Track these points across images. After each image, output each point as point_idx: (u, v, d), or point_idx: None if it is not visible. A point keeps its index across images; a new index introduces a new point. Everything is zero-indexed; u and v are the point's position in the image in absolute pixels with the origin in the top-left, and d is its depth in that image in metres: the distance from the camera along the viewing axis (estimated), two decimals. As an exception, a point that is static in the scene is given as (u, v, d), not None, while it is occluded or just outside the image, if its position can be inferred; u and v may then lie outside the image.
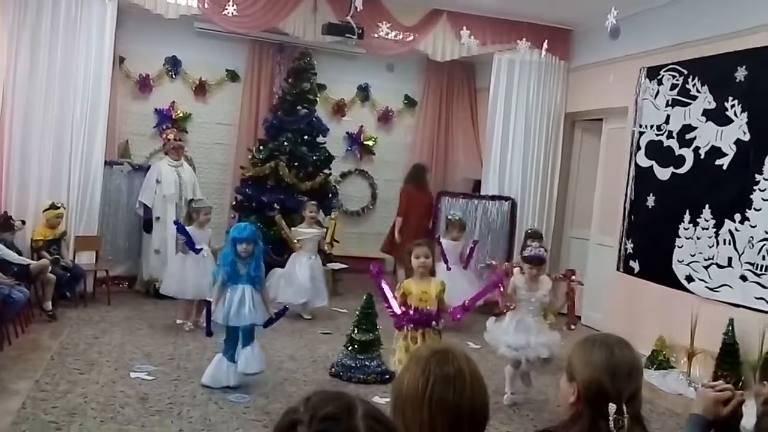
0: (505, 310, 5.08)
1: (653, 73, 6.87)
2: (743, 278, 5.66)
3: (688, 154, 6.39)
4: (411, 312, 4.54)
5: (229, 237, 5.13)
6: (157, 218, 7.60)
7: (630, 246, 7.06)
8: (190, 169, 8.25)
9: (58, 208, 6.89)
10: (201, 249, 6.50)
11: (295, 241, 7.37)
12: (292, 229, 7.48)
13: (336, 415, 1.09)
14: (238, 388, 4.93)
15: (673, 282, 6.38)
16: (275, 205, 8.16)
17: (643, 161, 6.95)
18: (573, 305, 5.27)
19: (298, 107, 8.60)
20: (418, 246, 4.76)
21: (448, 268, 7.21)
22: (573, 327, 5.10)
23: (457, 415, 1.54)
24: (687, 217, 6.30)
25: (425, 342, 4.46)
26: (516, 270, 5.18)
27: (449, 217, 7.83)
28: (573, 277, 5.32)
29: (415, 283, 4.60)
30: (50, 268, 6.52)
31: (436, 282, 4.69)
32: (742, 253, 5.69)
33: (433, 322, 4.57)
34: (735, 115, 5.88)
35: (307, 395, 1.15)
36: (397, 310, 4.61)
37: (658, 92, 6.80)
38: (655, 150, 6.80)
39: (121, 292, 7.69)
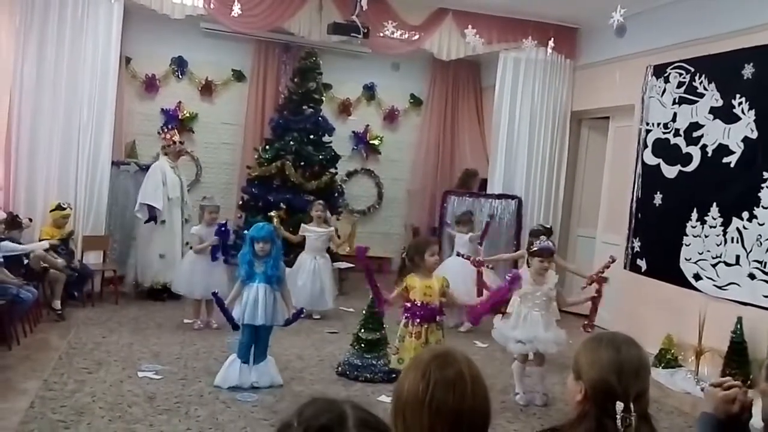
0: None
1: (660, 70, 6.84)
2: (751, 276, 5.63)
3: (695, 152, 6.36)
4: (417, 306, 4.55)
5: (247, 236, 5.17)
6: (163, 221, 7.46)
7: (637, 244, 7.03)
8: (183, 169, 8.26)
9: (65, 209, 6.92)
10: (217, 258, 6.53)
11: (298, 235, 7.30)
12: (302, 225, 7.44)
13: (329, 427, 1.11)
14: (248, 388, 4.94)
15: (680, 280, 6.35)
16: (281, 204, 8.17)
17: (650, 159, 6.93)
18: (596, 310, 5.26)
19: (303, 107, 8.62)
20: (435, 244, 4.93)
21: (458, 254, 7.26)
22: (589, 330, 5.10)
23: (457, 419, 1.53)
24: (694, 215, 6.27)
25: (428, 336, 4.50)
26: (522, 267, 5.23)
27: (457, 214, 7.83)
28: (604, 285, 5.29)
29: (419, 278, 4.61)
30: (51, 253, 6.44)
31: (439, 277, 4.72)
32: (750, 251, 5.67)
33: (437, 317, 4.60)
34: (742, 112, 5.85)
35: (299, 407, 1.16)
36: (383, 295, 4.70)
37: (664, 90, 6.77)
38: (662, 148, 6.78)
39: (128, 291, 7.71)
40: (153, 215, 7.39)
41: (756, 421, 2.03)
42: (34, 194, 7.09)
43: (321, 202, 7.59)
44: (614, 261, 5.64)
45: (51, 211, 6.92)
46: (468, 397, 1.54)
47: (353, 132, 10.25)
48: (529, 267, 5.18)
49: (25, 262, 6.26)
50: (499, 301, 5.07)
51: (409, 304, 4.60)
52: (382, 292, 4.76)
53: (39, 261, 6.34)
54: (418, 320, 4.54)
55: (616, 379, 1.73)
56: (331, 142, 8.91)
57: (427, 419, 1.52)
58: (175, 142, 7.83)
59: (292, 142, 8.44)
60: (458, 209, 8.44)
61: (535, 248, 5.15)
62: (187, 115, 9.44)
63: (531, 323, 5.02)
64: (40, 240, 6.84)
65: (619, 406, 1.71)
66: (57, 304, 6.55)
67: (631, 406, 1.72)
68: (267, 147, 8.67)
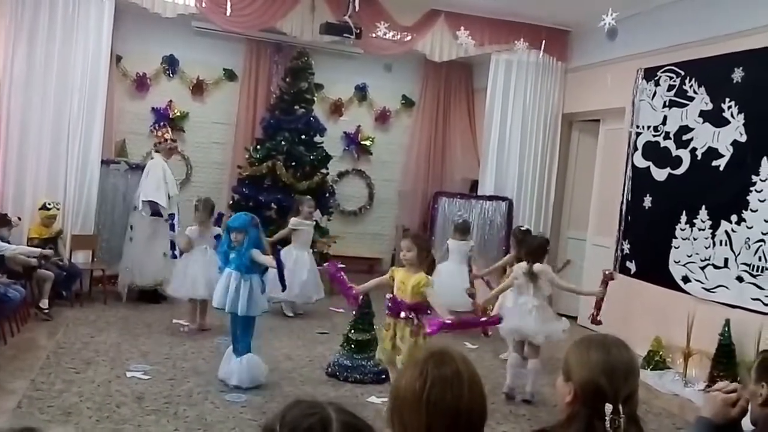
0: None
1: (650, 74, 6.88)
2: (739, 279, 5.67)
3: (684, 155, 6.40)
4: (388, 298, 4.60)
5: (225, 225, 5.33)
6: (167, 219, 7.40)
7: (627, 247, 7.07)
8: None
9: (50, 209, 6.85)
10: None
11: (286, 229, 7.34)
12: (293, 219, 7.41)
13: (312, 431, 1.10)
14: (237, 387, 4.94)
15: (669, 283, 6.39)
16: (272, 204, 8.15)
17: (640, 162, 6.96)
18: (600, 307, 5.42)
19: (295, 107, 8.61)
20: (403, 238, 4.75)
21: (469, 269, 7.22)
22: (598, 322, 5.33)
23: (454, 417, 1.53)
24: (684, 218, 6.31)
25: (396, 329, 4.51)
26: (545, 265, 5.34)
27: (454, 219, 7.85)
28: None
29: (401, 272, 4.60)
30: (39, 261, 6.30)
31: (417, 276, 4.49)
32: (739, 254, 5.70)
33: (402, 313, 4.47)
34: (732, 116, 5.89)
35: (282, 410, 1.15)
36: (351, 290, 4.76)
37: (655, 93, 6.81)
38: (652, 151, 6.81)
39: (117, 291, 7.65)
40: (156, 209, 7.26)
41: (745, 423, 2.04)
42: (23, 192, 7.04)
43: (310, 197, 7.57)
44: (612, 278, 5.40)
45: (39, 209, 6.88)
46: (465, 396, 1.55)
47: (345, 132, 10.24)
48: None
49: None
50: (471, 325, 5.30)
51: (390, 295, 4.65)
52: (350, 288, 4.80)
53: (12, 261, 6.27)
54: (387, 311, 4.60)
55: (606, 380, 1.73)
56: (322, 143, 8.91)
57: (425, 417, 1.52)
58: (167, 140, 7.76)
59: (283, 142, 8.43)
60: (449, 211, 8.47)
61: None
62: (178, 114, 9.39)
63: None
64: (28, 239, 6.81)
65: (608, 407, 1.72)
66: (44, 303, 6.49)
67: (620, 407, 1.73)
68: (258, 147, 8.66)
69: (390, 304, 4.57)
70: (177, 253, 6.56)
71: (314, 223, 7.56)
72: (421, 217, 10.07)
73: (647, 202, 6.83)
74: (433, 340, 4.47)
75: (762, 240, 5.51)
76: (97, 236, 7.56)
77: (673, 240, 6.39)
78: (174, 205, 7.49)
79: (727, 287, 5.79)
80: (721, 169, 5.96)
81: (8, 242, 6.30)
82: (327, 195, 8.85)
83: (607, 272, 5.37)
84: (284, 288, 5.27)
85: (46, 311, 6.47)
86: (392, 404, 1.60)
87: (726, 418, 1.92)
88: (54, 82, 7.08)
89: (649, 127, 6.87)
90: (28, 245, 6.74)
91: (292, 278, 7.10)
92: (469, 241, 7.44)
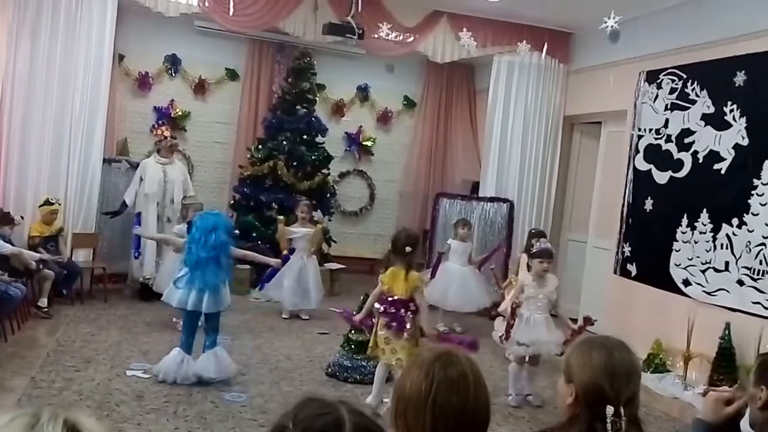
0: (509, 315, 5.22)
1: (653, 76, 6.87)
2: (740, 283, 5.66)
3: (686, 158, 6.40)
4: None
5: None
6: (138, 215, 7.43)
7: (627, 249, 7.06)
8: (181, 167, 8.01)
9: (53, 204, 6.86)
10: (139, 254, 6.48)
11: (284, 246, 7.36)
12: (288, 228, 7.43)
13: (325, 431, 1.10)
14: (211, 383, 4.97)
15: (670, 286, 6.38)
16: (273, 204, 8.15)
17: (642, 165, 6.96)
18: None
19: (297, 107, 8.61)
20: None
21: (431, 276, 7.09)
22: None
23: (460, 419, 1.53)
24: (685, 221, 6.30)
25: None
26: (522, 270, 5.25)
27: (455, 220, 7.87)
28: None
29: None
30: (37, 264, 6.31)
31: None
32: (740, 257, 5.70)
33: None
34: (734, 119, 5.89)
35: (294, 408, 1.14)
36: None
37: (657, 96, 6.80)
38: (654, 154, 6.81)
39: (117, 289, 7.66)
40: (119, 210, 7.46)
41: (744, 426, 2.04)
42: (25, 191, 7.04)
43: (306, 202, 7.51)
44: (592, 323, 5.19)
45: (40, 206, 6.88)
46: (471, 397, 1.54)
47: (346, 133, 10.24)
48: (529, 270, 5.21)
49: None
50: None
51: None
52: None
53: (16, 259, 6.26)
54: None
55: (608, 382, 1.73)
56: (324, 143, 8.91)
57: (430, 419, 1.52)
58: (166, 137, 7.77)
59: (285, 142, 8.44)
60: (450, 212, 8.47)
61: (535, 250, 5.18)
62: (180, 113, 9.40)
63: (534, 326, 5.08)
64: (29, 237, 6.81)
65: (610, 409, 1.72)
66: (43, 302, 6.49)
67: (622, 409, 1.73)
68: (260, 146, 8.66)
69: None
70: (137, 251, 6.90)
71: (312, 228, 7.44)
72: (421, 218, 10.07)
73: (648, 204, 6.82)
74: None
75: (763, 244, 5.50)
76: (97, 235, 7.57)
77: (674, 243, 6.38)
78: (152, 204, 7.45)
79: (727, 291, 5.78)
80: (723, 172, 5.95)
81: (10, 241, 6.30)
82: (328, 195, 8.85)
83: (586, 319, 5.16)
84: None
85: (45, 310, 6.47)
86: (397, 406, 1.59)
87: (719, 415, 1.93)
88: (56, 80, 7.08)
89: (650, 130, 6.86)
90: (29, 243, 6.77)
91: (288, 285, 7.14)
92: (469, 243, 7.45)
